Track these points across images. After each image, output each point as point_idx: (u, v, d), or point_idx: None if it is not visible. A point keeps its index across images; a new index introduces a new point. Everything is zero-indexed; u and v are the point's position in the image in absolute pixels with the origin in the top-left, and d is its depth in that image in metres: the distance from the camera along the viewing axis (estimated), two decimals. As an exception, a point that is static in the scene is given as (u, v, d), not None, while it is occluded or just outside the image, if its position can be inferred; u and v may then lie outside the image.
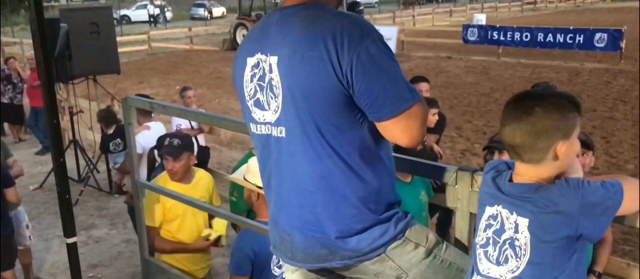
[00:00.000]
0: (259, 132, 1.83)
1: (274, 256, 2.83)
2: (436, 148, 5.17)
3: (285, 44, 1.67)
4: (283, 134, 1.74)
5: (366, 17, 33.12)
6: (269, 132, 1.78)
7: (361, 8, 2.05)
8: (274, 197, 1.89)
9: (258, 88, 1.76)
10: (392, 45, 20.92)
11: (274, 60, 1.70)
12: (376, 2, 55.34)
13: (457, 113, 11.11)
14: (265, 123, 1.79)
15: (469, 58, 18.62)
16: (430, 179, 3.38)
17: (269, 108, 1.75)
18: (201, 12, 42.94)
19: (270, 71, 1.71)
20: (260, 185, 2.84)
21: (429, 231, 1.87)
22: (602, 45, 17.21)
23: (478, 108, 11.57)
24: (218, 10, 45.62)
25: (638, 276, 3.57)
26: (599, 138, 9.13)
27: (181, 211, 3.52)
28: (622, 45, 16.74)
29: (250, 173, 2.88)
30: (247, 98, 1.81)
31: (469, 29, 20.18)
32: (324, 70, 1.59)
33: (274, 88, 1.71)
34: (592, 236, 1.58)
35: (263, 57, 1.73)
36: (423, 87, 5.33)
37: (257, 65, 1.76)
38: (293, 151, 1.73)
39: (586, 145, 3.25)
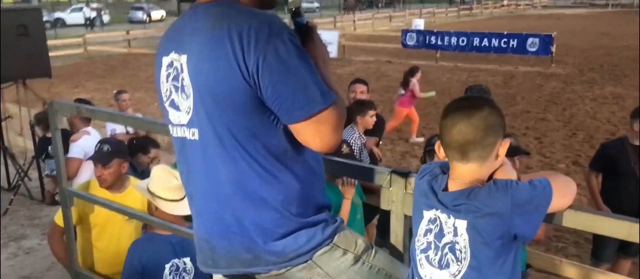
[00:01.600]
0: (175, 135, 1.77)
1: (167, 267, 2.78)
2: (376, 150, 5.19)
3: (194, 42, 1.61)
4: (196, 136, 1.67)
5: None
6: (184, 135, 1.72)
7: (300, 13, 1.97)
8: (193, 203, 1.82)
9: (173, 89, 1.69)
10: (333, 49, 21.05)
11: (184, 59, 1.63)
12: (317, 7, 55.69)
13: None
14: (180, 125, 1.72)
15: (408, 63, 18.85)
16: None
17: (182, 109, 1.68)
18: (140, 15, 42.00)
19: (182, 70, 1.64)
20: (164, 196, 2.77)
21: (358, 237, 1.84)
22: (534, 49, 17.86)
23: (418, 111, 11.75)
24: (157, 14, 44.71)
25: (570, 272, 3.68)
26: (533, 139, 9.44)
27: (102, 220, 3.35)
28: (553, 49, 17.42)
29: (153, 183, 2.78)
30: (164, 99, 1.74)
31: (408, 34, 20.54)
32: (230, 70, 1.53)
33: (186, 88, 1.64)
34: (527, 234, 1.59)
35: (176, 56, 1.67)
36: (358, 88, 5.35)
37: (171, 65, 1.69)
38: (207, 154, 1.67)
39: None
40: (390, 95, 13.56)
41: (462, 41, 19.18)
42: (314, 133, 1.57)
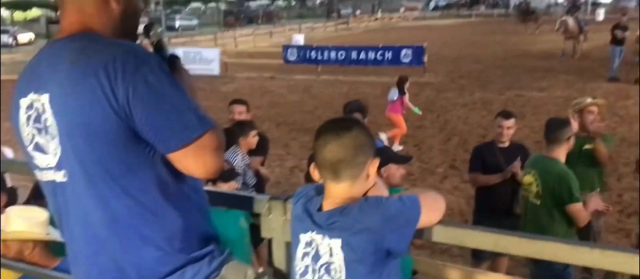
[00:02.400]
0: (44, 179, 1.65)
1: None
2: (262, 170, 5.14)
3: (55, 80, 1.51)
4: (66, 178, 1.57)
5: (186, 39, 32.71)
6: (53, 178, 1.61)
7: (158, 31, 1.89)
8: (69, 250, 1.71)
9: (36, 132, 1.58)
10: (215, 67, 20.81)
11: (46, 98, 1.53)
12: (197, 24, 54.85)
13: (284, 132, 11.30)
14: (48, 169, 1.60)
15: (291, 78, 19.12)
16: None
17: (49, 152, 1.57)
18: (5, 38, 39.01)
19: (44, 111, 1.54)
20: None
21: (247, 268, 1.81)
22: (408, 60, 18.71)
23: (303, 125, 11.88)
24: (25, 37, 41.78)
25: (453, 275, 3.81)
26: (412, 146, 9.84)
27: None
28: (425, 59, 18.36)
29: (9, 223, 2.53)
30: (27, 143, 1.62)
31: (289, 49, 20.77)
32: (98, 105, 1.45)
33: (50, 128, 1.54)
34: (399, 249, 1.65)
35: (36, 96, 1.56)
36: (237, 109, 5.26)
37: (31, 106, 1.58)
38: (79, 196, 1.57)
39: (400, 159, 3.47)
40: (277, 110, 13.61)
41: (341, 55, 19.70)
42: (195, 160, 1.52)
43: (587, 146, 4.61)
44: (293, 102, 14.66)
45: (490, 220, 4.73)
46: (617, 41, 16.04)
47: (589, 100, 4.89)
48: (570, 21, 20.86)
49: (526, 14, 35.85)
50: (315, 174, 1.72)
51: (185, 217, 1.62)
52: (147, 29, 1.73)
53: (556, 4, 66.15)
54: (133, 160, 1.52)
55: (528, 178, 3.95)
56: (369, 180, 1.70)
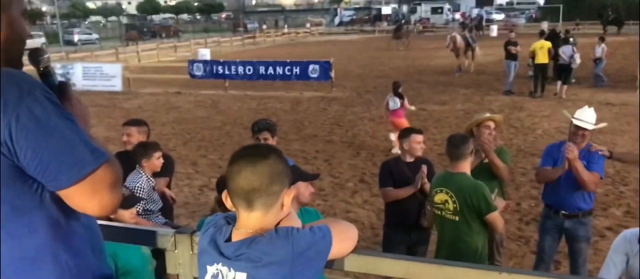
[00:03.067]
0: None
1: None
2: (168, 192, 4.93)
3: None
4: None
5: (85, 54, 31.29)
6: None
7: (46, 56, 1.72)
8: None
9: None
10: (117, 82, 20.02)
11: None
12: (97, 38, 52.78)
13: (191, 149, 11.00)
14: None
15: (198, 93, 18.74)
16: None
17: None
18: None
19: None
20: None
21: None
22: (315, 75, 18.90)
23: (211, 142, 11.63)
24: None
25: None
26: (323, 161, 9.88)
27: None
28: (332, 74, 18.63)
29: None
30: None
31: (195, 64, 20.38)
32: None
33: None
34: None
35: None
36: (132, 131, 4.93)
37: None
38: None
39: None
40: (184, 126, 13.25)
41: (249, 70, 19.59)
42: (89, 197, 1.41)
43: (486, 160, 4.78)
44: (200, 118, 14.34)
45: (400, 234, 4.82)
46: (511, 56, 17.00)
47: (487, 115, 5.08)
48: (458, 38, 21.83)
49: (397, 30, 38.83)
50: (227, 202, 1.67)
51: (79, 257, 1.51)
52: (34, 55, 1.57)
53: (453, 20, 69.64)
54: (18, 200, 1.39)
55: (442, 196, 3.99)
56: (283, 209, 1.67)
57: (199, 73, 20.04)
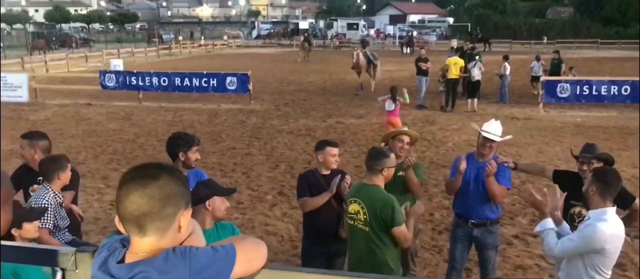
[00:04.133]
0: None
1: None
2: (75, 209, 4.71)
3: None
4: None
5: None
6: None
7: None
8: None
9: None
10: (23, 93, 18.98)
11: None
12: (0, 47, 49.76)
13: (102, 163, 10.57)
14: None
15: (110, 104, 18.08)
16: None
17: None
18: None
19: None
20: None
21: None
22: (233, 87, 18.78)
23: (124, 155, 11.24)
24: None
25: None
26: (241, 174, 9.79)
27: None
28: (250, 87, 18.56)
29: None
30: None
31: (107, 75, 19.70)
32: None
33: None
34: None
35: None
36: (30, 144, 4.71)
37: None
38: None
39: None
40: (94, 139, 12.73)
41: (164, 81, 19.17)
42: None
43: (400, 173, 4.92)
44: (112, 131, 13.84)
45: (319, 246, 4.85)
46: (422, 72, 17.65)
47: (404, 129, 5.24)
48: (361, 56, 21.13)
49: (304, 42, 41.54)
50: (120, 226, 1.55)
51: None
52: None
53: (368, 35, 71.30)
54: None
55: (354, 207, 4.08)
56: (181, 232, 1.56)
57: (111, 84, 19.38)
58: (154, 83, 19.13)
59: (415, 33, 57.80)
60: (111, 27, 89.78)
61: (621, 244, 3.54)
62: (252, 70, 19.68)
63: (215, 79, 18.90)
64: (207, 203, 3.24)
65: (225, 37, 66.49)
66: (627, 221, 4.62)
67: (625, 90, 16.62)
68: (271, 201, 8.36)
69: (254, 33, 79.65)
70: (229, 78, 18.84)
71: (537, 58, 20.26)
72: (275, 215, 7.77)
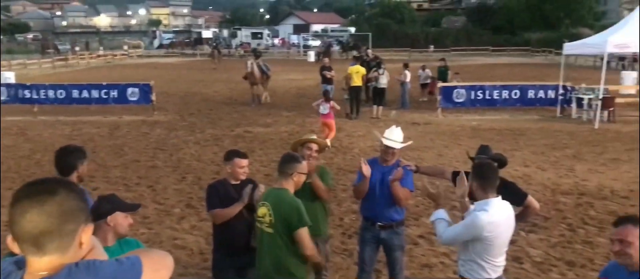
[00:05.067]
0: None
1: None
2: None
3: None
4: None
5: None
6: None
7: None
8: None
9: None
10: None
11: None
12: None
13: (-7, 182, 9.89)
14: None
15: (2, 120, 16.95)
16: None
17: None
18: None
19: None
20: None
21: None
22: (135, 98, 18.25)
23: (19, 172, 10.59)
24: None
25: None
26: (146, 187, 9.51)
27: None
28: (153, 97, 18.10)
29: None
30: None
31: (-3, 88, 18.51)
32: None
33: None
34: None
35: None
36: None
37: None
38: None
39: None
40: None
41: (61, 94, 18.32)
42: None
43: (308, 180, 4.98)
44: (5, 147, 12.99)
45: (229, 257, 4.79)
46: (326, 80, 18.02)
47: (313, 136, 5.32)
48: (254, 66, 20.24)
49: (214, 51, 43.15)
50: (14, 247, 1.47)
51: None
52: None
53: (273, 45, 71.57)
54: None
55: (263, 210, 4.11)
56: (82, 247, 1.51)
57: (2, 97, 18.22)
58: (49, 96, 18.23)
59: (335, 44, 58.80)
60: (1, 37, 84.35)
61: (504, 233, 3.77)
62: (154, 80, 19.21)
63: (115, 90, 18.30)
64: (108, 218, 3.14)
65: (125, 47, 64.38)
66: (521, 217, 4.99)
67: (515, 94, 17.83)
68: (179, 214, 8.19)
69: (156, 43, 77.65)
70: (130, 89, 18.30)
71: (423, 68, 21.53)
72: (183, 228, 7.61)
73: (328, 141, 12.25)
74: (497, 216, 3.69)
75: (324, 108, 12.81)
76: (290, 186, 4.12)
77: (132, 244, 3.32)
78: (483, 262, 3.77)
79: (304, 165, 4.25)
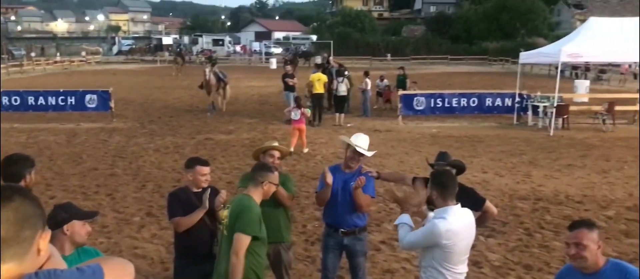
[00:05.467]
0: None
1: None
2: None
3: None
4: None
5: None
6: None
7: None
8: None
9: None
10: None
11: None
12: None
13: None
14: None
15: (-50, 127, 16.40)
16: None
17: None
18: None
19: None
20: None
21: None
22: (93, 105, 17.93)
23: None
24: None
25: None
26: (105, 196, 9.34)
27: None
28: (112, 104, 17.80)
29: None
30: None
31: (-53, 94, 17.88)
32: None
33: None
34: None
35: None
36: None
37: None
38: None
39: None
40: None
41: (15, 100, 17.89)
42: None
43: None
44: (-45, 156, 12.56)
45: (191, 266, 4.74)
46: (288, 87, 18.04)
47: (275, 144, 5.32)
48: (211, 74, 19.83)
49: (177, 57, 42.92)
50: None
51: None
52: None
53: (234, 52, 71.27)
54: None
55: (225, 213, 4.14)
56: (40, 255, 1.49)
57: (-48, 104, 17.63)
58: (4, 103, 17.72)
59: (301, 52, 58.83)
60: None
61: (463, 241, 3.82)
62: (113, 87, 18.91)
63: (73, 97, 17.95)
64: (65, 227, 3.08)
65: (83, 53, 63.16)
66: (479, 222, 5.10)
67: (474, 102, 18.21)
68: (139, 222, 8.06)
69: (115, 49, 76.39)
70: (88, 96, 17.98)
71: (381, 78, 21.89)
72: (143, 236, 7.50)
73: (305, 149, 13.18)
74: (456, 224, 3.72)
75: (296, 114, 13.09)
76: (257, 194, 4.09)
77: (91, 253, 3.26)
78: (443, 269, 3.80)
79: (275, 176, 4.22)
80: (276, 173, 4.28)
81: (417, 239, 3.86)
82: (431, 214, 3.95)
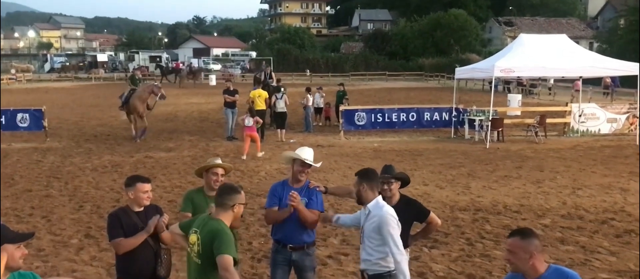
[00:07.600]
0: None
1: None
2: None
3: None
4: None
5: None
6: None
7: None
8: None
9: None
10: None
11: None
12: None
13: None
14: None
15: None
16: None
17: None
18: None
19: None
20: None
21: None
22: (25, 124, 17.28)
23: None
24: None
25: None
26: (40, 218, 8.97)
27: None
28: (45, 123, 17.18)
29: None
30: None
31: None
32: None
33: None
34: None
35: None
36: None
37: None
38: None
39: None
40: None
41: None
42: None
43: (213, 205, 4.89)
44: None
45: (135, 287, 4.60)
46: (228, 104, 17.86)
47: (218, 161, 5.25)
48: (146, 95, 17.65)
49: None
50: None
51: None
52: None
53: (171, 69, 70.06)
54: None
55: (193, 238, 3.95)
56: None
57: None
58: None
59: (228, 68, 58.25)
60: None
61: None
62: (46, 105, 18.25)
63: (3, 116, 17.17)
64: None
65: (13, 71, 60.70)
66: (424, 233, 5.21)
67: (412, 116, 18.63)
68: (77, 245, 7.77)
69: (47, 66, 73.83)
70: (20, 115, 17.30)
71: (320, 95, 21.77)
72: (82, 259, 7.22)
73: (260, 153, 14.54)
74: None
75: (249, 121, 14.36)
76: (227, 218, 3.97)
77: (29, 277, 3.13)
78: (391, 250, 4.20)
79: (242, 196, 4.12)
80: (242, 192, 4.17)
81: (383, 227, 4.22)
82: (364, 209, 4.41)
